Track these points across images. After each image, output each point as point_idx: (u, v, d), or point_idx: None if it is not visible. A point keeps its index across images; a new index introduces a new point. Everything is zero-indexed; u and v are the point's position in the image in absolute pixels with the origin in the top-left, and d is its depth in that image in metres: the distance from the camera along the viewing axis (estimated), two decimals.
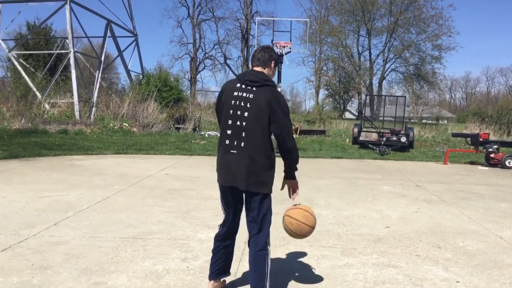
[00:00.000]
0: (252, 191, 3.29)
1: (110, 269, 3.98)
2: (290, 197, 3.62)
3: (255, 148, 3.24)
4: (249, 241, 3.44)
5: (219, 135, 3.54)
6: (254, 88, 3.27)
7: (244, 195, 3.40)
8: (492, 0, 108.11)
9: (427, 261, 4.49)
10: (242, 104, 3.25)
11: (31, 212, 5.94)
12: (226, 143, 3.29)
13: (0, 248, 4.44)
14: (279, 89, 15.63)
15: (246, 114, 3.23)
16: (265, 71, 3.40)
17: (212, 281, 3.56)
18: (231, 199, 3.43)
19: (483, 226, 6.00)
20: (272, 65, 3.46)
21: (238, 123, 3.25)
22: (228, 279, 3.78)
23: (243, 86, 3.29)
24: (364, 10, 50.89)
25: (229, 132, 3.29)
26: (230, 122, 3.28)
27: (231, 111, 3.28)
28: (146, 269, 4.03)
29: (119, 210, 6.23)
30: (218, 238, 3.56)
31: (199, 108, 27.70)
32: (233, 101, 3.28)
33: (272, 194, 3.41)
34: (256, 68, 3.41)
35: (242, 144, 3.24)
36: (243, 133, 3.24)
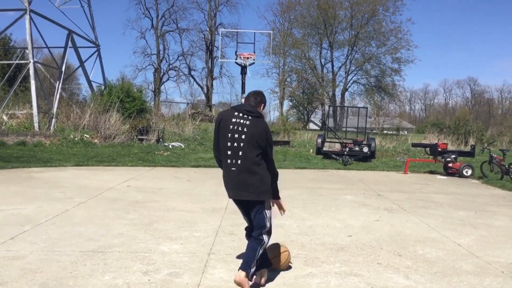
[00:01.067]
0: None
1: (68, 284, 3.87)
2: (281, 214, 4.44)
3: (251, 164, 3.89)
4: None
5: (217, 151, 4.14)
6: (250, 117, 3.90)
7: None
8: (449, 14, 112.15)
9: (388, 269, 4.56)
10: (240, 129, 3.85)
11: None
12: (228, 162, 3.89)
13: None
14: (242, 100, 15.71)
15: (243, 136, 3.84)
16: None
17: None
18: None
19: (442, 233, 6.15)
20: (261, 107, 4.11)
21: (235, 144, 3.84)
22: None
23: (241, 114, 3.91)
24: (326, 23, 51.75)
25: (229, 152, 3.87)
26: (229, 144, 3.86)
27: (229, 134, 3.85)
28: (106, 283, 3.93)
29: (79, 223, 6.08)
30: (247, 239, 4.14)
31: (163, 119, 27.40)
32: (231, 126, 3.86)
33: None
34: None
35: (239, 161, 3.85)
36: (240, 152, 3.85)
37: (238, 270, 3.78)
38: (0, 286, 3.78)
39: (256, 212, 3.99)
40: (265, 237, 3.99)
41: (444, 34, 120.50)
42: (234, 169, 3.87)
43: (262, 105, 4.12)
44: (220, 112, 4.15)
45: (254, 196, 3.91)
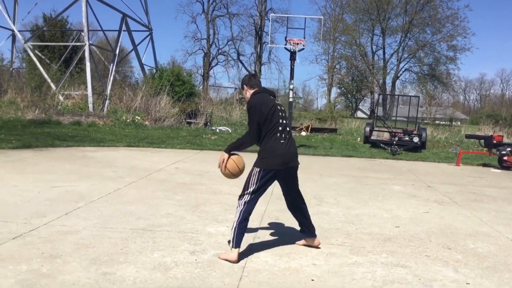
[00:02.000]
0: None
1: (119, 260, 4.01)
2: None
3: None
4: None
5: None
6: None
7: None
8: (509, 2, 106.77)
9: (437, 262, 4.46)
10: (281, 108, 4.40)
11: (43, 201, 6.00)
12: (282, 139, 4.29)
13: (10, 236, 4.49)
14: (291, 86, 15.62)
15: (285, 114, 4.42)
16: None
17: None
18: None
19: (494, 228, 5.94)
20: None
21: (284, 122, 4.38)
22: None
23: (272, 97, 4.44)
24: (379, 9, 50.55)
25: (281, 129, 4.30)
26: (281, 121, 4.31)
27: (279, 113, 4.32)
28: (154, 260, 4.04)
29: (130, 202, 6.27)
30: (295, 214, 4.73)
31: (211, 103, 27.74)
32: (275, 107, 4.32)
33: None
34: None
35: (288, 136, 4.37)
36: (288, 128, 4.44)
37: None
38: (55, 259, 3.95)
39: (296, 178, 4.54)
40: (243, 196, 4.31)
41: (502, 22, 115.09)
42: (284, 142, 4.30)
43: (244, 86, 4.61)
44: (256, 96, 4.37)
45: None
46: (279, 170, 4.24)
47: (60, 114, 19.27)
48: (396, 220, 6.12)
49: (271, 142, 4.23)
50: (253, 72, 5.55)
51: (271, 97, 4.42)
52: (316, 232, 5.18)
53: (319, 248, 4.61)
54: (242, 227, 4.14)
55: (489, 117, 32.56)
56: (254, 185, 4.20)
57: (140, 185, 7.55)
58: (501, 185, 10.04)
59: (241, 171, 4.45)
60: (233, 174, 4.44)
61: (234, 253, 4.11)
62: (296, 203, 4.58)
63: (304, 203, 4.63)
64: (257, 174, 4.20)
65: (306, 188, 8.03)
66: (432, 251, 4.78)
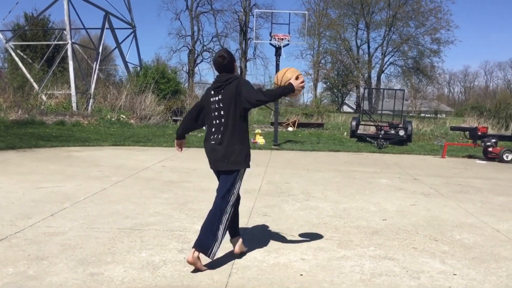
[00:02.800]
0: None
1: (106, 260, 3.97)
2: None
3: None
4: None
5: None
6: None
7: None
8: None
9: (424, 253, 4.49)
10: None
11: (28, 203, 5.93)
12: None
13: None
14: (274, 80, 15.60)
15: None
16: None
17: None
18: None
19: (480, 219, 6.00)
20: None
21: None
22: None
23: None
24: (363, 3, 50.69)
25: None
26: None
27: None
28: (142, 260, 4.02)
29: (116, 201, 6.22)
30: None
31: (197, 100, 27.62)
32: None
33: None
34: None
35: None
36: None
37: None
38: (41, 260, 3.91)
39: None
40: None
41: (485, 14, 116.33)
42: None
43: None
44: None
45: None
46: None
47: (43, 114, 19.05)
48: (383, 213, 6.16)
49: (247, 137, 4.10)
50: (221, 53, 5.07)
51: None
52: (305, 227, 5.23)
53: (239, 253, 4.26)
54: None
55: (474, 109, 32.84)
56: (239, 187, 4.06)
57: (126, 184, 7.50)
58: (487, 176, 10.16)
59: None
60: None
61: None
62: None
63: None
64: (243, 174, 4.07)
65: (293, 184, 8.07)
66: (419, 243, 4.82)
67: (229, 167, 3.95)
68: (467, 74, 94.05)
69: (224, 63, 3.99)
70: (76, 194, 6.52)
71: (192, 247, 3.79)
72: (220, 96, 3.95)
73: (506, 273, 4.04)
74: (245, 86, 3.89)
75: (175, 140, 4.46)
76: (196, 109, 4.26)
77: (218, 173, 4.11)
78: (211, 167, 4.11)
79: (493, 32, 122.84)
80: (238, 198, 4.14)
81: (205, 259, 3.86)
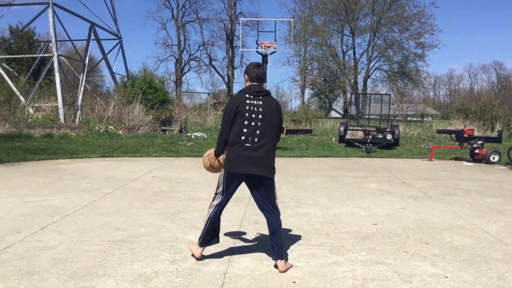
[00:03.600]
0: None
1: (98, 273, 3.95)
2: None
3: None
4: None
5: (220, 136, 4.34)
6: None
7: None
8: None
9: (415, 257, 4.53)
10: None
11: (17, 217, 5.87)
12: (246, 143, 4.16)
13: None
14: (268, 89, 15.68)
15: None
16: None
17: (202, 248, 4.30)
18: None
19: (470, 221, 6.06)
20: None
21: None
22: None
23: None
24: (347, 9, 51.14)
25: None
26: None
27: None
28: (134, 272, 4.00)
29: (106, 213, 6.18)
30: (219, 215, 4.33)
31: (185, 110, 27.60)
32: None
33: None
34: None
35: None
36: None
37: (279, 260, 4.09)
38: (32, 275, 3.87)
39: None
40: (278, 207, 4.29)
41: (468, 17, 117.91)
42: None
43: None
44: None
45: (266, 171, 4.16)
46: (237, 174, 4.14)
47: (31, 127, 18.91)
48: (374, 217, 6.19)
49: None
50: (257, 63, 5.06)
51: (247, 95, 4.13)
52: (296, 233, 5.24)
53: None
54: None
55: (459, 111, 33.20)
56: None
57: (116, 195, 7.46)
58: (474, 177, 10.26)
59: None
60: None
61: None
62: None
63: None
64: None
65: (283, 190, 8.07)
66: (410, 247, 4.86)
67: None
68: (452, 77, 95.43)
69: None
70: (66, 207, 6.47)
71: (278, 259, 4.08)
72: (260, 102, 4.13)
73: (497, 274, 4.09)
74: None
75: (217, 158, 4.38)
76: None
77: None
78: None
79: (476, 35, 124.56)
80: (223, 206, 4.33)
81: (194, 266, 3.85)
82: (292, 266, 4.15)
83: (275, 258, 4.11)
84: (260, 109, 4.04)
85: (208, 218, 4.24)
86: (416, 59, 51.84)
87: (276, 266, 4.08)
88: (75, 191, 7.76)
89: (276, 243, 4.11)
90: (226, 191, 4.21)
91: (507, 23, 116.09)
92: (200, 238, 4.29)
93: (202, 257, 4.31)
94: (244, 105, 4.04)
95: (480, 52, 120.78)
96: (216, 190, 4.27)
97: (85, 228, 5.39)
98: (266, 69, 15.04)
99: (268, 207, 4.17)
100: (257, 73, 4.19)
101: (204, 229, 4.26)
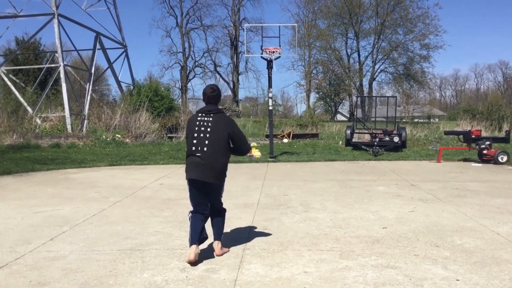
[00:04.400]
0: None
1: (109, 283, 3.96)
2: None
3: None
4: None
5: None
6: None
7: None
8: None
9: (426, 260, 4.50)
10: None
11: (27, 228, 5.90)
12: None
13: None
14: (270, 95, 15.68)
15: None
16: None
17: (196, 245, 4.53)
18: None
19: (480, 222, 6.02)
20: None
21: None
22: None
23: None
24: (351, 12, 51.10)
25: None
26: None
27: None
28: (145, 280, 4.00)
29: (116, 222, 6.20)
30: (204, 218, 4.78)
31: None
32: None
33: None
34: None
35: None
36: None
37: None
38: (43, 286, 3.89)
39: None
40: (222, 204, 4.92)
41: (472, 17, 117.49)
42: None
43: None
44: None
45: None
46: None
47: (38, 137, 19.02)
48: (383, 221, 6.17)
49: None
50: (212, 86, 5.38)
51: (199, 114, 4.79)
52: (306, 239, 5.23)
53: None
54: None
55: (466, 112, 33.00)
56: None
57: (125, 204, 7.48)
58: (483, 178, 10.20)
59: None
60: None
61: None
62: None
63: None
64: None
65: (291, 195, 8.07)
66: (420, 250, 4.83)
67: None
68: (457, 77, 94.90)
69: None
70: (75, 217, 6.50)
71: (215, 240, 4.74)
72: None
73: (509, 276, 4.06)
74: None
75: None
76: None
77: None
78: None
79: (481, 35, 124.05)
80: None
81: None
82: (228, 251, 4.78)
83: (214, 239, 4.78)
84: (210, 124, 4.65)
85: (189, 226, 4.65)
86: (421, 60, 51.62)
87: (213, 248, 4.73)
88: (84, 200, 7.80)
89: (217, 231, 4.81)
90: (192, 198, 4.74)
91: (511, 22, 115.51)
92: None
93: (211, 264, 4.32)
94: (195, 121, 4.70)
95: (485, 52, 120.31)
96: None
97: (94, 238, 5.41)
98: (271, 74, 15.04)
99: (215, 208, 4.81)
100: (208, 96, 4.81)
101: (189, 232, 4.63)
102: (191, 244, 4.47)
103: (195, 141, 4.62)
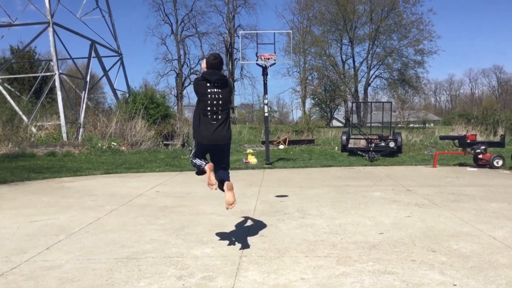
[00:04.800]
0: None
1: None
2: None
3: None
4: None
5: None
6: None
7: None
8: (471, 3, 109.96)
9: (422, 265, 4.50)
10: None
11: (23, 237, 5.87)
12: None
13: None
14: (265, 101, 15.70)
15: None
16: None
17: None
18: None
19: (476, 227, 6.04)
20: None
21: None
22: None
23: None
24: (345, 19, 51.38)
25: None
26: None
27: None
28: None
29: (112, 230, 6.18)
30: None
31: (187, 124, 27.63)
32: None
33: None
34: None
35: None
36: None
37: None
38: None
39: None
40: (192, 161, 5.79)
41: (466, 23, 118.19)
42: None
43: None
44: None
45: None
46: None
47: (34, 146, 18.97)
48: (379, 226, 6.17)
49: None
50: (215, 54, 5.53)
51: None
52: (302, 246, 5.23)
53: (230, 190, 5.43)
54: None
55: (461, 117, 33.12)
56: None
57: (121, 212, 7.46)
58: (478, 183, 10.23)
59: None
60: None
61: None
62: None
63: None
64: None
65: (288, 202, 8.07)
66: (417, 255, 4.83)
67: None
68: (452, 82, 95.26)
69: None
70: (71, 226, 6.47)
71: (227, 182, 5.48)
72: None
73: (505, 280, 4.07)
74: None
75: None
76: None
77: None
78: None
79: (475, 40, 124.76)
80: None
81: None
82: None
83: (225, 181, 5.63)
84: (220, 96, 5.27)
85: (195, 164, 5.70)
86: (416, 65, 51.90)
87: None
88: (80, 209, 7.77)
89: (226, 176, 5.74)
90: (201, 157, 5.72)
91: (505, 26, 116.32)
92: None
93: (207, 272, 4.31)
94: (206, 94, 5.24)
95: (479, 57, 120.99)
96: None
97: (90, 246, 5.39)
98: (266, 80, 15.08)
99: (225, 168, 5.80)
100: (211, 63, 5.33)
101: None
102: (204, 167, 5.53)
103: (209, 109, 5.20)
